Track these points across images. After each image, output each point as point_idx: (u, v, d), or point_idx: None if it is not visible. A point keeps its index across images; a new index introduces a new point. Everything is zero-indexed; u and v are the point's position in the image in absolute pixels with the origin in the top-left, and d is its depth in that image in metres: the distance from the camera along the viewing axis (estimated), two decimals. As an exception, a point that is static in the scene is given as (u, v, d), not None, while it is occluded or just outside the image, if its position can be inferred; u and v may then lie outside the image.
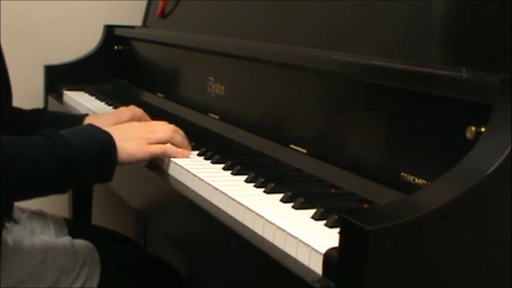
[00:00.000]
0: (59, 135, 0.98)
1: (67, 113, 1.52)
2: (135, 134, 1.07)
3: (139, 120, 1.30)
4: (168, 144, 1.11)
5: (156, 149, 1.08)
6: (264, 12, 1.39)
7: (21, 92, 2.00)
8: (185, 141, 1.15)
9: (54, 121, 1.33)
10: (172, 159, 1.11)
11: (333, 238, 0.73)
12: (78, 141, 0.98)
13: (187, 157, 1.13)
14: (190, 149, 1.15)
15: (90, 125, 1.05)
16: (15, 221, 1.26)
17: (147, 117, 1.33)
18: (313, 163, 1.06)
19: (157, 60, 1.83)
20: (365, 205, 0.91)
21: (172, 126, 1.13)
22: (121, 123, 1.23)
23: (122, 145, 1.03)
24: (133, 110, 1.35)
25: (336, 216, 0.81)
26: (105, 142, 1.02)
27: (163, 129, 1.12)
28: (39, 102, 1.99)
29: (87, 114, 1.40)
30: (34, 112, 1.42)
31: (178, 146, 1.12)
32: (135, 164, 1.08)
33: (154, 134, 1.09)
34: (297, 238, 0.76)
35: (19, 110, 1.40)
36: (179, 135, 1.14)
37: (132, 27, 2.04)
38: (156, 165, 1.15)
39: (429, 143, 0.86)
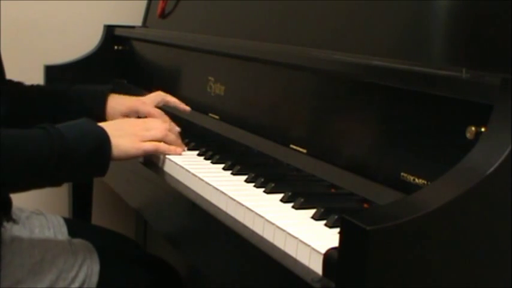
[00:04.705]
0: (56, 129, 1.00)
1: (91, 89, 1.45)
2: (129, 130, 1.10)
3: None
4: (161, 142, 1.14)
5: (149, 146, 1.11)
6: (264, 12, 1.39)
7: (21, 91, 2.00)
8: (178, 140, 1.18)
9: (78, 98, 1.35)
10: (172, 159, 1.11)
11: (333, 238, 0.73)
12: (73, 135, 1.00)
13: (180, 154, 1.16)
14: (183, 146, 1.19)
15: (87, 120, 1.07)
16: (14, 221, 1.26)
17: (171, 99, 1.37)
18: (313, 163, 1.06)
19: (157, 60, 1.83)
20: (365, 205, 0.91)
21: (166, 125, 1.17)
22: (140, 112, 1.29)
23: (116, 141, 1.05)
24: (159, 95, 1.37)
25: (336, 216, 0.81)
26: (100, 138, 1.04)
27: (158, 127, 1.15)
28: (39, 102, 1.99)
29: (111, 89, 1.39)
30: (59, 89, 1.43)
31: (170, 145, 1.15)
32: (128, 159, 1.10)
33: (149, 131, 1.12)
34: (297, 238, 0.76)
35: (42, 87, 1.43)
36: (173, 133, 1.18)
37: (132, 27, 2.04)
38: (156, 165, 1.15)
39: (429, 143, 0.86)
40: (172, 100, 1.37)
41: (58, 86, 1.46)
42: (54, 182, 1.02)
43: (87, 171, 1.04)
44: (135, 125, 1.13)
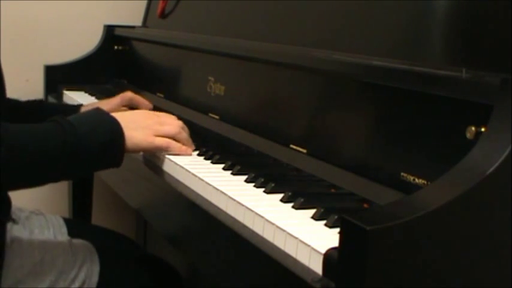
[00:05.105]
0: (68, 122, 0.99)
1: (63, 104, 1.54)
2: (143, 123, 1.08)
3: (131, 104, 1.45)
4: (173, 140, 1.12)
5: (161, 141, 1.09)
6: (264, 12, 1.39)
7: (21, 92, 2.00)
8: (190, 140, 1.16)
9: (51, 111, 1.34)
10: (172, 159, 1.11)
11: (333, 238, 0.73)
12: (86, 128, 0.99)
13: (190, 155, 1.14)
14: (193, 147, 1.16)
15: (100, 111, 1.06)
16: (14, 221, 1.26)
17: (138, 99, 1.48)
18: (313, 163, 1.06)
19: (157, 60, 1.83)
20: (365, 205, 0.91)
21: (180, 122, 1.15)
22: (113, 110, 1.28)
23: (129, 133, 1.04)
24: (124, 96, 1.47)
25: (336, 216, 0.80)
26: (113, 130, 1.02)
27: (172, 123, 1.13)
28: (39, 102, 1.99)
29: (81, 105, 1.45)
30: (32, 103, 1.44)
31: (182, 143, 1.13)
32: (139, 152, 1.10)
33: (162, 126, 1.11)
34: (297, 238, 0.76)
35: (17, 102, 1.43)
36: (185, 132, 1.15)
37: (132, 27, 2.04)
38: (156, 165, 1.15)
39: (429, 143, 0.86)
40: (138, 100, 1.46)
41: (30, 100, 1.50)
42: (68, 175, 1.02)
43: (101, 163, 1.03)
44: (148, 117, 1.11)
